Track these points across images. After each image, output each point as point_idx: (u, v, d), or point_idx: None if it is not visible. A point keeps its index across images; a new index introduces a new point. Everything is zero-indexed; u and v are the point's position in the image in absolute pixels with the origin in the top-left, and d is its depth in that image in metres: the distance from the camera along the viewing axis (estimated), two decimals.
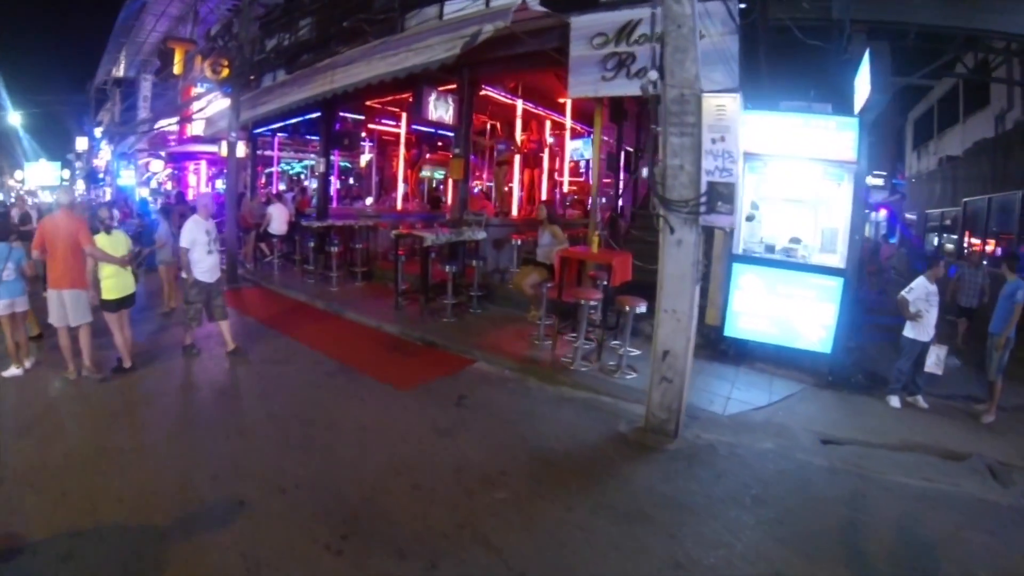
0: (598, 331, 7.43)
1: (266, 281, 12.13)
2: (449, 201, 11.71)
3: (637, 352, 7.31)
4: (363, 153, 16.87)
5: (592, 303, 6.88)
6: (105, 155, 29.81)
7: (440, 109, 9.56)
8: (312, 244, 11.76)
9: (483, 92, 10.67)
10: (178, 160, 22.62)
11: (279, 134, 16.68)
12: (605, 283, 7.76)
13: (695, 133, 5.33)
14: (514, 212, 11.46)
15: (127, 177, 27.76)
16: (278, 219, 12.65)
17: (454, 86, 9.99)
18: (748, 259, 7.88)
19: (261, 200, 13.92)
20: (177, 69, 20.77)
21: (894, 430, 6.01)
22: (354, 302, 10.03)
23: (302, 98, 11.40)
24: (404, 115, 13.31)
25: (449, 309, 8.85)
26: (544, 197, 13.36)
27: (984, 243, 13.95)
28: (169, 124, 20.26)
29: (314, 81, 11.15)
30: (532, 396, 6.45)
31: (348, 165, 19.52)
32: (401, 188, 13.91)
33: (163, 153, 23.32)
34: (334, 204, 15.55)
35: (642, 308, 6.74)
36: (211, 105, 16.63)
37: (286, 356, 7.43)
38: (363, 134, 15.80)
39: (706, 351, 8.09)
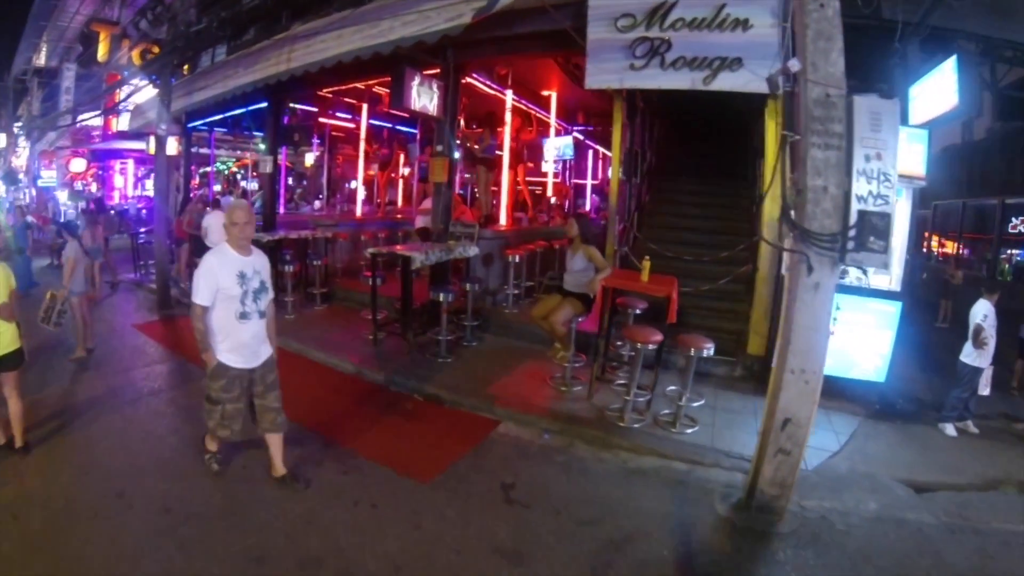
0: (644, 371, 5.86)
1: None
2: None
3: (699, 402, 5.88)
4: (309, 151, 14.58)
5: (651, 346, 5.26)
6: (25, 153, 25.87)
7: (424, 97, 7.62)
8: None
9: (467, 80, 8.82)
10: (102, 158, 19.37)
11: (216, 128, 14.15)
12: (637, 311, 6.23)
13: (842, 146, 3.79)
14: (502, 221, 9.65)
15: (48, 178, 24.16)
16: (216, 230, 10.35)
17: (437, 71, 8.10)
18: None
19: (198, 207, 11.54)
20: (102, 55, 17.75)
21: (968, 465, 5.44)
22: (318, 334, 7.99)
23: (250, 81, 9.13)
24: (364, 107, 11.25)
25: (443, 346, 7.04)
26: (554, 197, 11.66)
27: None
28: (91, 117, 17.22)
29: (265, 60, 8.89)
30: (591, 472, 4.78)
31: (289, 165, 17.13)
32: (361, 191, 11.76)
33: (85, 151, 19.99)
34: (281, 210, 13.32)
35: (710, 349, 5.23)
36: (139, 93, 13.96)
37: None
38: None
39: (750, 384, 6.75)
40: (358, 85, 9.79)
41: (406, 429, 5.48)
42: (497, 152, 9.35)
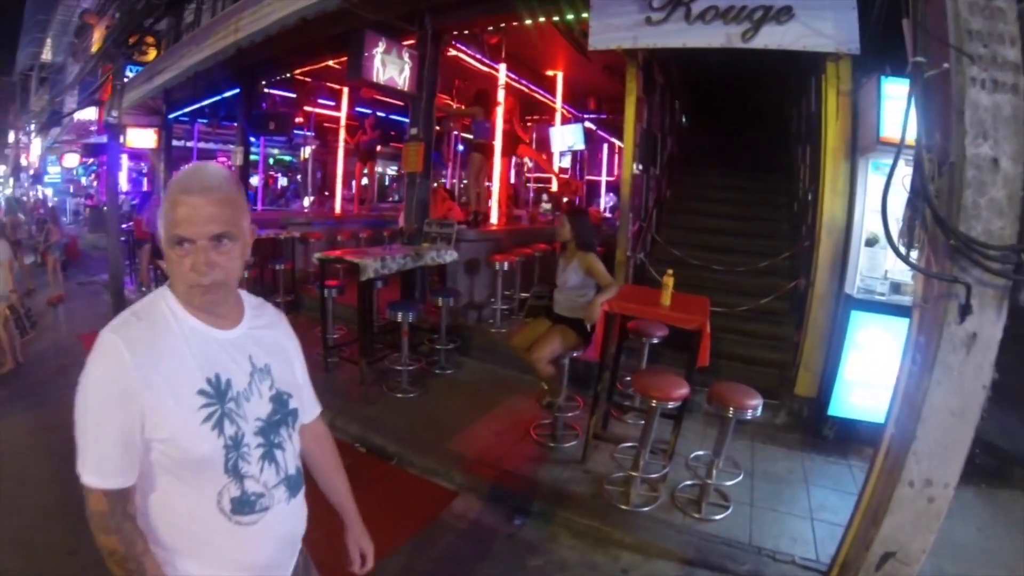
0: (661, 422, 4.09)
1: None
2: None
3: (736, 478, 4.04)
4: (303, 144, 13.00)
5: (671, 404, 3.48)
6: (37, 149, 24.93)
7: (391, 69, 5.92)
8: None
9: (452, 53, 7.12)
10: (98, 153, 18.11)
11: (199, 120, 12.67)
12: (654, 340, 4.50)
13: (1021, 87, 1.99)
14: (493, 219, 7.87)
15: (55, 174, 23.19)
16: None
17: (412, 41, 6.40)
18: (872, 305, 4.64)
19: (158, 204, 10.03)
20: (96, 47, 16.60)
21: None
22: None
23: (200, 59, 7.61)
24: (345, 91, 9.60)
25: (406, 377, 5.35)
26: (564, 196, 9.72)
27: None
28: (75, 110, 15.89)
29: (215, 34, 7.35)
30: None
31: (291, 159, 15.64)
32: (339, 186, 10.11)
33: (79, 145, 18.73)
34: (259, 207, 11.76)
35: (756, 409, 3.46)
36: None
37: None
38: (299, 119, 11.99)
39: (797, 434, 4.95)
40: (332, 64, 8.15)
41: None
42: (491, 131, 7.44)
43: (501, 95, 7.09)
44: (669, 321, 4.03)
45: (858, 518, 2.46)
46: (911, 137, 2.24)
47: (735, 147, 8.27)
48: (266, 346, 1.35)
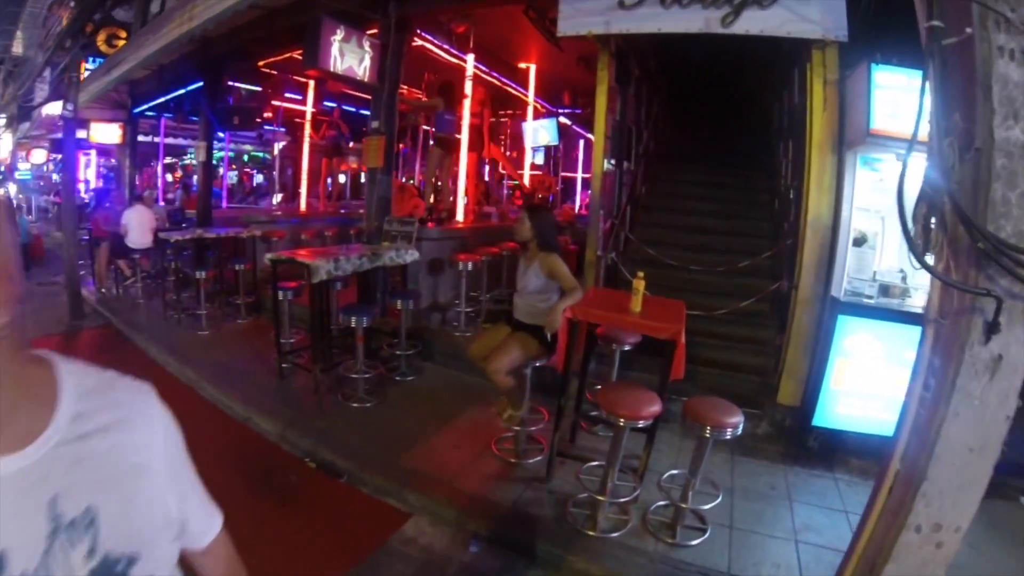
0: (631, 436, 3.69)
1: (120, 317, 7.75)
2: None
3: (714, 501, 3.61)
4: (273, 139, 12.43)
5: (642, 423, 3.08)
6: (8, 145, 23.91)
7: (351, 57, 5.46)
8: (174, 264, 7.42)
9: (419, 43, 6.64)
10: (64, 149, 17.32)
11: (165, 115, 12.03)
12: (626, 347, 4.11)
13: None
14: (459, 216, 7.44)
15: (25, 170, 22.25)
16: (137, 227, 8.27)
17: (375, 30, 5.93)
18: (860, 309, 4.28)
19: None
20: (102, 45, 15.98)
21: None
22: (224, 359, 5.91)
23: (156, 49, 7.11)
24: (311, 84, 9.08)
25: (362, 386, 4.90)
26: (539, 193, 9.23)
27: None
28: (41, 104, 15.14)
29: (170, 22, 6.84)
30: None
31: (263, 155, 15.04)
32: (305, 183, 9.52)
33: (47, 140, 17.92)
34: (225, 204, 11.20)
35: (736, 428, 3.07)
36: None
37: None
38: (267, 113, 11.43)
39: (779, 446, 4.57)
40: (296, 56, 7.64)
41: (276, 520, 3.42)
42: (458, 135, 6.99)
43: (468, 87, 6.64)
44: (640, 330, 3.62)
45: (852, 563, 2.07)
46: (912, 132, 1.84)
47: (714, 142, 7.90)
48: (93, 472, 0.74)
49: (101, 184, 15.87)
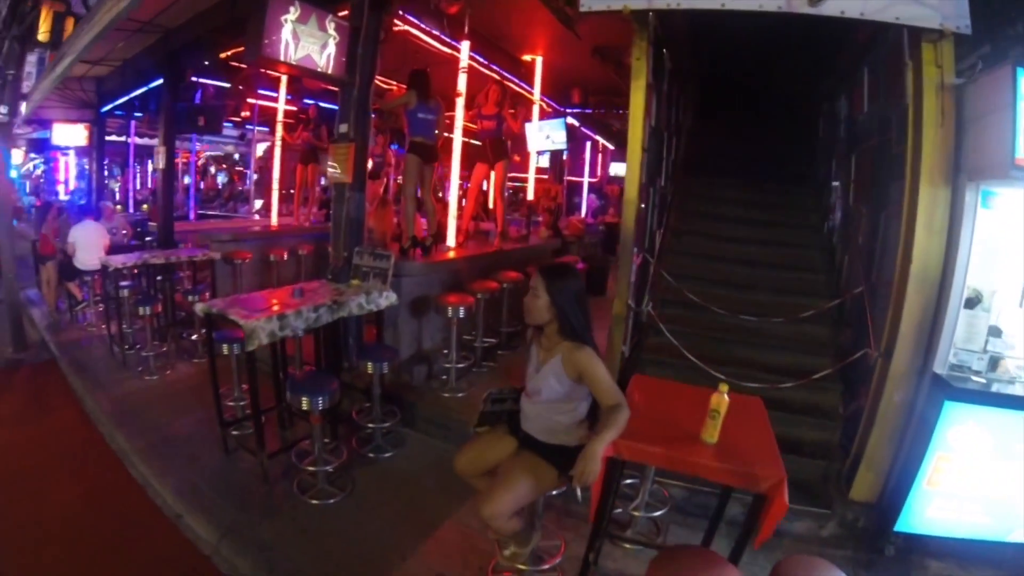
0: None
1: (64, 352, 6.47)
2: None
3: None
4: (255, 140, 11.07)
5: None
6: None
7: (308, 44, 4.13)
8: (123, 292, 6.13)
9: (400, 28, 5.33)
10: (43, 149, 15.86)
11: (134, 115, 10.69)
12: None
13: None
14: (450, 238, 5.85)
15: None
16: (86, 246, 7.01)
17: (345, 12, 4.63)
18: (971, 395, 3.09)
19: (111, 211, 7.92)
20: (43, 34, 14.58)
21: None
22: (165, 421, 4.67)
23: (93, 36, 5.80)
24: (283, 80, 7.72)
25: (321, 478, 3.70)
26: (543, 204, 7.81)
27: None
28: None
29: (103, 5, 5.53)
30: None
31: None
32: (276, 192, 8.08)
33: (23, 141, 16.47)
34: (192, 216, 9.89)
35: None
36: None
37: None
38: (245, 112, 10.05)
39: (848, 550, 3.47)
40: None
41: None
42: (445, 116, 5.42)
43: (462, 82, 5.31)
44: (722, 478, 2.29)
45: None
46: None
47: (750, 151, 6.53)
48: None
49: (78, 187, 14.44)
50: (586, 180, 12.79)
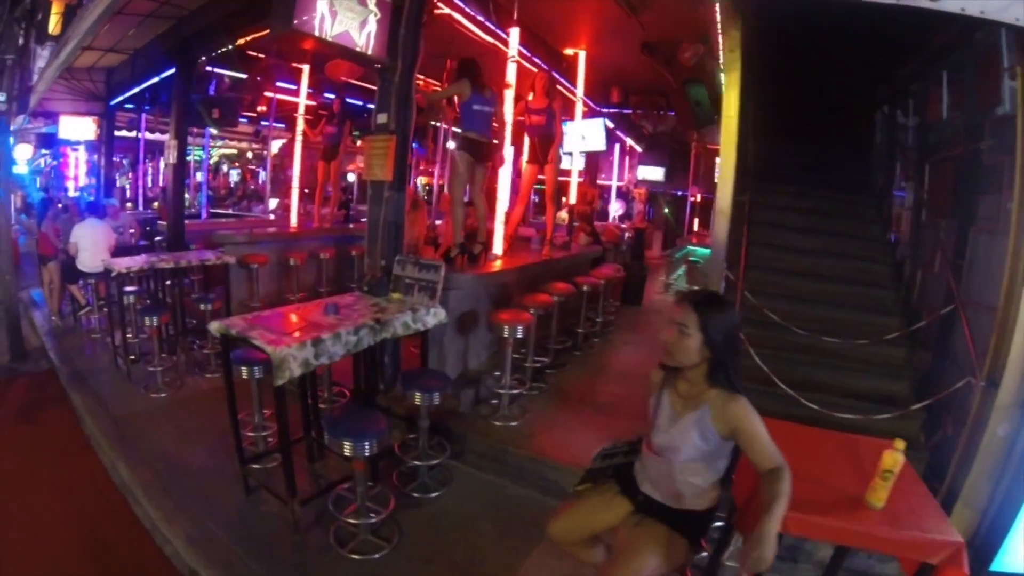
0: None
1: (65, 362, 5.73)
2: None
3: None
4: (270, 136, 10.35)
5: None
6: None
7: (346, 19, 3.42)
8: (128, 298, 5.46)
9: (442, 10, 4.61)
10: (52, 144, 15.14)
11: (145, 108, 10.01)
12: None
13: None
14: (497, 245, 5.02)
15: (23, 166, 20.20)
16: (90, 247, 6.34)
17: None
18: None
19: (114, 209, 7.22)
20: (53, 27, 13.98)
21: None
22: (175, 450, 3.95)
23: (96, 19, 5.16)
24: (306, 69, 7.03)
25: (364, 531, 3.03)
26: (578, 208, 6.85)
27: None
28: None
29: None
30: None
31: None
32: (296, 191, 7.26)
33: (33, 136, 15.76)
34: (204, 213, 9.21)
35: None
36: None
37: None
38: (261, 107, 9.19)
39: None
40: None
41: None
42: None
43: (511, 73, 4.64)
44: (892, 550, 1.79)
45: None
46: None
47: (803, 157, 6.00)
48: None
49: (88, 183, 13.73)
50: (614, 183, 12.11)
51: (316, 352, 2.75)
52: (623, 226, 9.81)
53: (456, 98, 4.27)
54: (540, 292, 4.60)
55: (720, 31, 3.27)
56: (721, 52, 3.25)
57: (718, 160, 11.74)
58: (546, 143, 5.32)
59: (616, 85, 8.06)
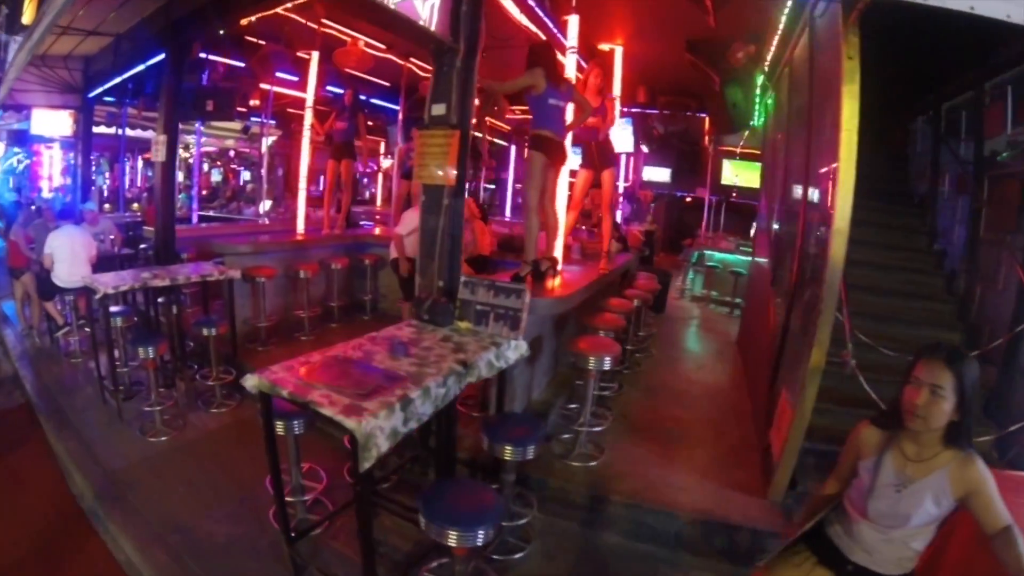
0: None
1: (42, 394, 4.71)
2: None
3: None
4: (262, 133, 9.31)
5: None
6: None
7: None
8: (115, 321, 4.53)
9: None
10: (25, 142, 13.63)
11: (127, 101, 8.89)
12: None
13: None
14: (563, 250, 4.40)
15: None
16: (68, 257, 5.38)
17: None
18: None
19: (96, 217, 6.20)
20: (28, 18, 12.65)
21: None
22: (187, 514, 3.07)
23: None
24: (314, 56, 6.11)
25: None
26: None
27: None
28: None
29: None
30: None
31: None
32: (302, 194, 6.28)
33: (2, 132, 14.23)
34: (194, 219, 8.18)
35: None
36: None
37: None
38: (254, 100, 8.11)
39: None
40: (290, 14, 4.87)
41: None
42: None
43: (572, 64, 3.91)
44: None
45: None
46: None
47: None
48: None
49: (64, 184, 12.40)
50: (621, 186, 11.47)
51: (405, 417, 2.00)
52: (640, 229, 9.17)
53: (530, 90, 3.51)
54: (601, 311, 3.90)
55: (841, 40, 2.65)
56: (842, 58, 2.62)
57: (725, 161, 11.08)
58: (602, 147, 4.59)
59: (644, 84, 7.38)
